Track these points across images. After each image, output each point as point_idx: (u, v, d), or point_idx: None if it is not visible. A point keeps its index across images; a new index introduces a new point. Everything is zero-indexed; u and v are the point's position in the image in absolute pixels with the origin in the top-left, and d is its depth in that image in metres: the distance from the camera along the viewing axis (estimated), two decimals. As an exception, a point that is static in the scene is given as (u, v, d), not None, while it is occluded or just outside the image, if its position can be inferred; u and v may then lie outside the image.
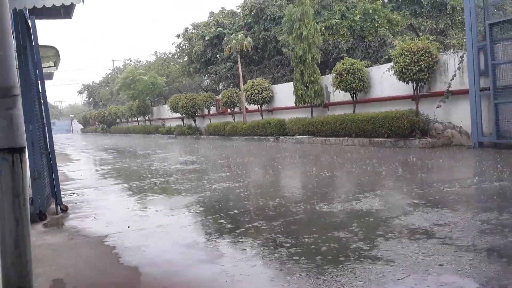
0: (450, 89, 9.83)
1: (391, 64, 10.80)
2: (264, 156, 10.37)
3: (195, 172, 8.11)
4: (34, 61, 5.00)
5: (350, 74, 12.05)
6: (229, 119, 19.76)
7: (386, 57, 13.90)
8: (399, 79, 10.41)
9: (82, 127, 52.68)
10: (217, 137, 19.14)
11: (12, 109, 1.96)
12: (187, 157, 11.57)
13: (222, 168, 8.59)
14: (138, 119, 32.77)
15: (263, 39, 20.20)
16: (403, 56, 10.11)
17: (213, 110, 21.22)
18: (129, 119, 35.33)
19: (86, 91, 55.46)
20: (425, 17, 17.59)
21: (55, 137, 40.77)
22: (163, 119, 28.66)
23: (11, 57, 1.99)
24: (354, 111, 12.57)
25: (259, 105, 16.92)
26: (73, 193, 6.56)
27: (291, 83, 14.69)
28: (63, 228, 4.49)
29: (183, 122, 24.39)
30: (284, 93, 16.09)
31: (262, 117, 16.97)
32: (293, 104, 14.35)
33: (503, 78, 8.42)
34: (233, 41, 17.76)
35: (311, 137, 13.19)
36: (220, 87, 26.26)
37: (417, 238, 3.34)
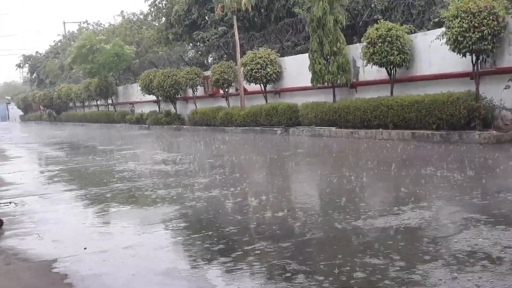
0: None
1: (442, 30, 10.76)
2: (269, 154, 10.41)
3: (176, 175, 8.15)
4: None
5: (386, 43, 12.03)
6: (222, 103, 19.80)
7: (436, 20, 13.86)
8: (453, 50, 10.39)
9: (22, 113, 52.73)
10: (204, 127, 19.24)
11: None
12: (165, 154, 11.61)
13: (212, 170, 8.65)
14: (98, 102, 32.90)
15: (268, -5, 20.24)
16: (458, 19, 10.08)
17: (200, 91, 21.28)
18: (86, 103, 35.52)
19: (27, 65, 55.56)
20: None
21: (-14, 126, 41.00)
22: (132, 103, 28.76)
23: None
24: (391, 93, 12.56)
25: (262, 85, 16.95)
26: (10, 203, 6.60)
27: (306, 55, 14.67)
28: (-3, 250, 4.51)
29: (159, 107, 24.44)
30: (297, 69, 16.11)
31: (267, 101, 17.01)
32: (309, 84, 14.36)
33: None
34: (228, -3, 17.72)
35: (333, 128, 13.22)
36: (210, 60, 26.28)
37: (478, 266, 3.34)
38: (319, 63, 13.69)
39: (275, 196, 5.96)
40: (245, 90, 17.99)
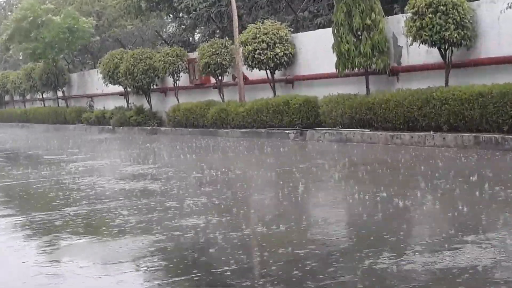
0: None
1: (517, -5, 10.72)
2: (278, 167, 10.40)
3: (150, 195, 8.16)
4: None
5: (439, 14, 12.01)
6: (214, 96, 19.82)
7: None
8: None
9: None
10: (190, 129, 19.28)
11: None
12: (135, 167, 11.64)
13: (200, 188, 8.64)
14: (45, 96, 32.95)
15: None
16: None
17: (184, 80, 21.32)
18: (28, 96, 35.58)
19: None
20: None
21: None
22: (91, 97, 28.91)
23: None
24: (446, 82, 12.52)
25: (269, 72, 16.95)
26: None
27: (329, 30, 14.65)
28: None
29: (127, 101, 24.53)
30: (316, 49, 16.12)
31: (275, 94, 17.01)
32: (333, 70, 14.34)
33: None
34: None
35: (366, 130, 13.24)
36: (197, 37, 26.31)
37: None
38: (347, 42, 13.66)
39: (287, 225, 5.94)
40: (245, 78, 17.97)
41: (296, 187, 8.19)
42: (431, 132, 11.81)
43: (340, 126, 13.99)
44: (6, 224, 6.92)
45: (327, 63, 14.92)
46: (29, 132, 28.59)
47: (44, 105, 33.33)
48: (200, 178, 9.60)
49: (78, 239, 5.99)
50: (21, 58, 38.19)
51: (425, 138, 11.77)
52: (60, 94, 31.04)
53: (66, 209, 7.53)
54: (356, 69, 13.89)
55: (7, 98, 38.83)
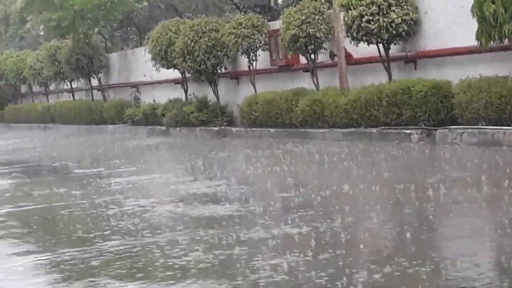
0: None
1: None
2: (396, 182, 10.31)
3: (220, 224, 8.24)
4: None
5: None
6: (304, 82, 19.81)
7: None
8: None
9: None
10: (271, 130, 19.36)
11: None
12: (198, 184, 11.76)
13: (289, 213, 8.63)
14: (74, 85, 33.44)
15: None
16: None
17: (263, 60, 21.31)
18: (52, 86, 36.30)
19: None
20: None
21: None
22: (136, 86, 29.20)
23: None
24: None
25: (381, 45, 16.84)
26: None
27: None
28: None
29: (185, 92, 24.70)
30: (449, 13, 15.99)
31: (391, 78, 16.88)
32: (473, 42, 14.07)
33: None
34: None
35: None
36: (280, 1, 26.30)
37: None
38: (493, 1, 13.46)
39: (411, 268, 5.86)
40: (348, 56, 17.95)
41: (423, 213, 8.13)
42: None
43: (484, 123, 13.77)
44: (26, 264, 7.04)
45: (464, 32, 14.74)
46: (54, 135, 29.03)
47: (74, 98, 33.79)
48: (287, 199, 9.59)
49: (122, 285, 6.03)
50: (42, 33, 38.83)
51: None
52: (95, 83, 31.45)
53: (105, 243, 7.62)
54: (507, 40, 13.67)
55: (24, 89, 39.25)
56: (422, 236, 7.14)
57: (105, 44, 32.21)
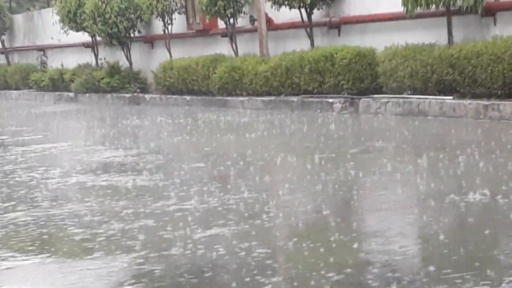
0: None
1: None
2: (317, 153, 10.28)
3: (129, 195, 8.18)
4: None
5: None
6: (222, 48, 19.95)
7: None
8: None
9: None
10: (187, 98, 19.47)
11: None
12: (108, 153, 11.73)
13: (201, 185, 8.58)
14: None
15: None
16: None
17: (179, 24, 21.31)
18: None
19: None
20: None
21: None
22: (43, 49, 29.16)
23: None
24: None
25: (304, 10, 16.80)
26: None
27: None
28: None
29: (96, 56, 24.73)
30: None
31: (313, 44, 16.97)
32: (399, 8, 14.15)
33: None
34: None
35: (449, 99, 13.13)
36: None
37: None
38: (420, -36, 13.46)
39: (328, 240, 5.84)
40: (269, 21, 17.99)
41: (344, 184, 8.16)
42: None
43: (410, 92, 13.91)
44: None
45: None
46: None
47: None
48: (203, 170, 9.60)
49: (25, 260, 5.90)
50: None
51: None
52: (-1, 46, 31.51)
53: (6, 215, 7.50)
54: (434, 6, 13.67)
55: None
56: (342, 209, 7.24)
57: (10, 5, 31.87)
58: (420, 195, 7.43)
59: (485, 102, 12.32)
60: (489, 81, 12.46)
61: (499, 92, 12.36)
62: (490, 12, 13.78)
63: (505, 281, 4.60)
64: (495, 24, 13.80)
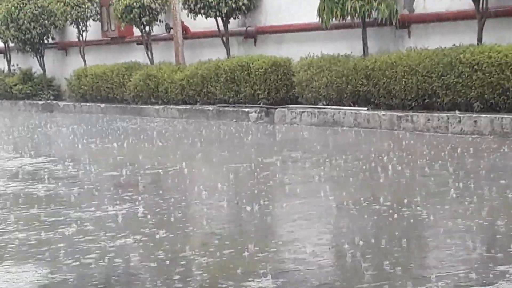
0: None
1: None
2: (232, 162, 10.36)
3: (40, 203, 8.12)
4: None
5: None
6: (137, 56, 19.91)
7: None
8: None
9: None
10: (102, 106, 19.37)
11: None
12: (19, 161, 11.63)
13: (114, 193, 8.66)
14: None
15: None
16: None
17: (94, 31, 21.26)
18: None
19: None
20: None
21: None
22: None
23: None
24: (479, 38, 12.56)
25: (220, 19, 16.94)
26: None
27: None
28: None
29: (8, 62, 24.48)
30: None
31: (229, 53, 17.04)
32: (314, 19, 14.30)
33: None
34: None
35: (363, 110, 13.32)
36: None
37: None
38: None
39: (243, 249, 5.88)
40: (185, 30, 18.06)
41: (258, 193, 8.16)
42: (456, 111, 11.88)
43: (325, 103, 14.06)
44: None
45: (307, 9, 14.99)
46: None
47: None
48: (116, 178, 9.57)
49: None
50: None
51: (449, 121, 11.84)
52: None
53: None
54: (349, 17, 13.85)
55: None
56: (258, 218, 7.20)
57: None
58: (332, 204, 7.48)
59: (399, 114, 12.54)
60: (403, 92, 12.69)
61: (413, 104, 12.62)
62: (405, 25, 14.06)
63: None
64: (409, 37, 14.11)
